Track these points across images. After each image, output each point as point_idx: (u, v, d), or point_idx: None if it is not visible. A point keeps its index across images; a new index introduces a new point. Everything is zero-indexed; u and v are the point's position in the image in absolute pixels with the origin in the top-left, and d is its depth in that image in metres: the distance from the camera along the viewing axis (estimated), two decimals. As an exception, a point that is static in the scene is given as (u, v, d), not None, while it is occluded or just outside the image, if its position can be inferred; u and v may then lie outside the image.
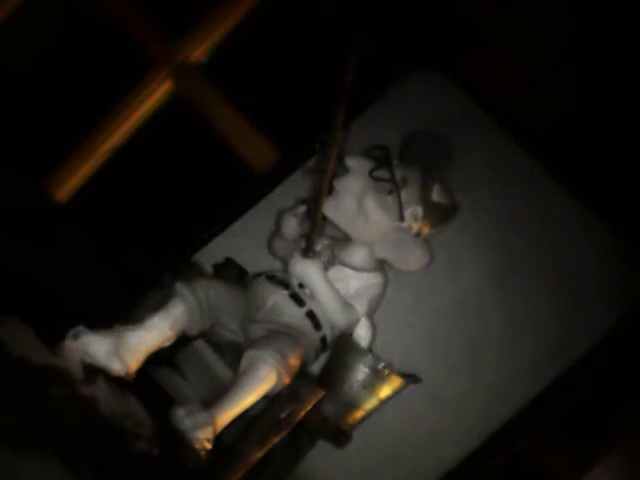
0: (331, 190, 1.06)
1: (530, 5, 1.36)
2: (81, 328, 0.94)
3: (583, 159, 1.27)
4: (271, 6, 1.44)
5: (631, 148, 1.29)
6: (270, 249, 1.18)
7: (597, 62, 1.31)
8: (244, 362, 0.96)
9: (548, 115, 1.32)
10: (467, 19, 1.35)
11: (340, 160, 1.06)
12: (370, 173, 1.05)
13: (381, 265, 1.11)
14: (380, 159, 1.07)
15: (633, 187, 1.25)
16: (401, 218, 1.06)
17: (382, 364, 1.06)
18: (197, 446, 0.89)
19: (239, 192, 1.35)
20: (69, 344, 0.92)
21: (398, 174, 1.06)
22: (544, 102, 1.33)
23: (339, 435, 1.10)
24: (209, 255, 1.24)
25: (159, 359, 1.01)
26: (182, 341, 1.03)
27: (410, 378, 1.10)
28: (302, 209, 1.13)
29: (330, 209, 1.06)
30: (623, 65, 1.30)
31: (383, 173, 1.06)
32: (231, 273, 1.18)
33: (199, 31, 1.49)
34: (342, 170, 1.07)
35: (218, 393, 0.95)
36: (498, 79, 1.32)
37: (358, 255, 1.10)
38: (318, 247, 1.10)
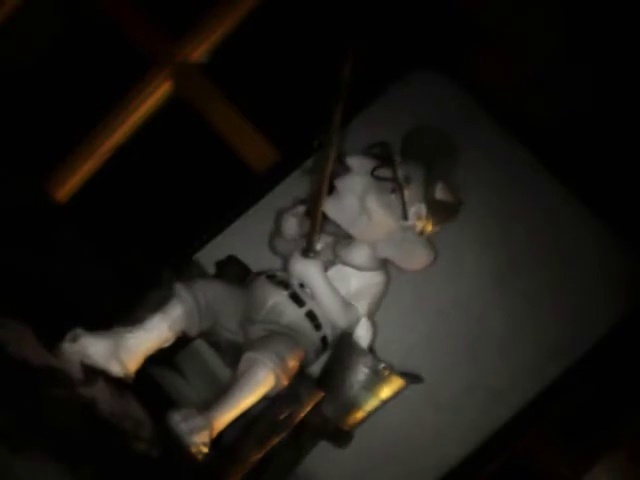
0: (332, 190, 1.05)
1: (531, 4, 1.36)
2: (79, 330, 0.94)
3: (585, 159, 1.26)
4: (271, 6, 1.44)
5: (632, 148, 1.28)
6: (271, 247, 1.17)
7: (598, 62, 1.31)
8: (242, 364, 0.96)
9: (549, 114, 1.32)
10: (468, 18, 1.35)
11: (340, 159, 1.05)
12: (372, 172, 1.04)
13: (383, 264, 1.10)
14: (382, 157, 1.06)
15: (635, 187, 1.25)
16: (405, 217, 1.05)
17: (382, 365, 1.05)
18: (193, 450, 0.89)
19: (239, 192, 1.34)
20: (67, 347, 0.92)
21: (400, 172, 1.05)
22: (545, 101, 1.32)
23: (340, 434, 1.10)
24: (209, 255, 1.24)
25: (159, 359, 1.01)
26: (182, 341, 1.04)
27: (412, 378, 1.09)
28: (302, 208, 1.12)
29: (332, 209, 1.05)
30: (625, 65, 1.30)
31: (385, 172, 1.05)
32: (234, 271, 1.18)
33: (199, 31, 1.49)
34: (343, 169, 1.06)
35: (217, 393, 0.95)
36: (500, 78, 1.32)
37: (360, 254, 1.08)
38: (319, 246, 1.09)
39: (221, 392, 0.95)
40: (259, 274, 1.11)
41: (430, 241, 1.09)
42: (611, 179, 1.25)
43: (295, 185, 1.22)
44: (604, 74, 1.31)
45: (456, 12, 1.35)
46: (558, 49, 1.33)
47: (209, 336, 1.07)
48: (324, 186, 1.02)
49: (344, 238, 1.11)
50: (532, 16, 1.35)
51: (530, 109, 1.30)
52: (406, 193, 1.05)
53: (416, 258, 1.08)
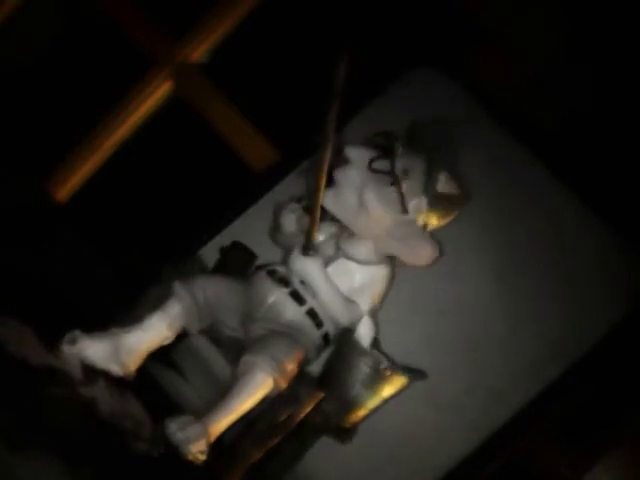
0: (331, 182, 1.01)
1: (531, 4, 1.36)
2: (77, 333, 0.93)
3: (585, 158, 1.26)
4: (271, 6, 1.44)
5: (632, 148, 1.28)
6: (272, 239, 1.16)
7: (598, 62, 1.31)
8: (240, 368, 0.95)
9: (550, 114, 1.32)
10: (468, 18, 1.35)
11: (340, 151, 1.02)
12: (369, 164, 1.01)
13: (387, 257, 1.08)
14: (382, 147, 1.03)
15: (635, 187, 1.25)
16: (404, 211, 1.03)
17: (384, 365, 1.05)
18: (190, 458, 0.89)
19: (239, 191, 1.34)
20: (66, 349, 0.92)
21: (399, 165, 1.02)
22: (545, 101, 1.32)
23: (342, 431, 1.10)
24: (209, 255, 1.24)
25: (159, 357, 1.01)
26: (183, 338, 1.03)
27: (415, 374, 1.08)
28: (299, 205, 1.10)
29: (331, 202, 1.03)
30: (625, 65, 1.30)
31: (383, 164, 1.02)
32: (239, 257, 1.17)
33: (199, 31, 1.49)
34: (342, 161, 1.03)
35: (215, 397, 0.94)
36: (500, 78, 1.32)
37: (363, 248, 1.06)
38: (321, 237, 1.07)
39: (219, 396, 0.94)
40: (260, 268, 1.09)
41: (433, 236, 1.07)
42: (611, 179, 1.25)
43: (294, 185, 1.22)
44: (604, 74, 1.31)
45: (456, 12, 1.35)
46: (558, 49, 1.33)
47: (210, 333, 1.07)
48: (321, 184, 0.99)
49: (347, 229, 1.08)
50: (532, 16, 1.35)
51: (530, 109, 1.30)
52: (404, 186, 1.02)
53: (420, 253, 1.05)
